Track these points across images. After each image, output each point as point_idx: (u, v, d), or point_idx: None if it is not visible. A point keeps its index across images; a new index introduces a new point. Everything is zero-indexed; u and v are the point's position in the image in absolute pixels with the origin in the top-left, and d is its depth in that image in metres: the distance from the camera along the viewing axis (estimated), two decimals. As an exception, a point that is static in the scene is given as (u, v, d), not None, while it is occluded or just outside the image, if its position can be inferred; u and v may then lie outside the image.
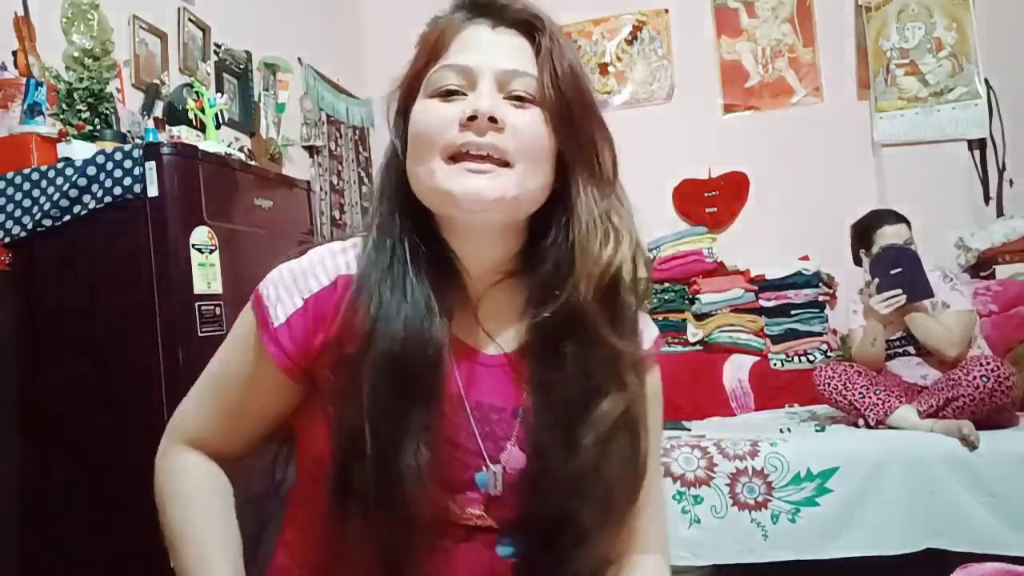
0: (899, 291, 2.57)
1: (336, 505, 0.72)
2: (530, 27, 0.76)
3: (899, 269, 2.60)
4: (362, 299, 0.74)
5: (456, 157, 0.72)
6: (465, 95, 0.74)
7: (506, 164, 0.72)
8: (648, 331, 0.84)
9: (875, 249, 2.75)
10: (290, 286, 0.78)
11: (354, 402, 0.71)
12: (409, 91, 0.79)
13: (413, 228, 0.77)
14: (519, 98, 0.74)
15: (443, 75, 0.75)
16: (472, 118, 0.71)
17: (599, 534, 0.76)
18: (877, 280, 2.63)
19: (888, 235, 2.75)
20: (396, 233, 0.76)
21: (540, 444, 0.75)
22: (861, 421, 2.54)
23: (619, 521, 0.78)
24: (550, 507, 0.74)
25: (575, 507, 0.74)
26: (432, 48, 0.77)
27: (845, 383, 2.56)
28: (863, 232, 2.84)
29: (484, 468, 0.76)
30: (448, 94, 0.74)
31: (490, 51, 0.75)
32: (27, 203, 1.80)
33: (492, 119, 0.71)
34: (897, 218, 2.80)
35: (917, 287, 2.59)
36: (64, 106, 1.98)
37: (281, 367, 0.77)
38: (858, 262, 2.84)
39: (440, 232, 0.78)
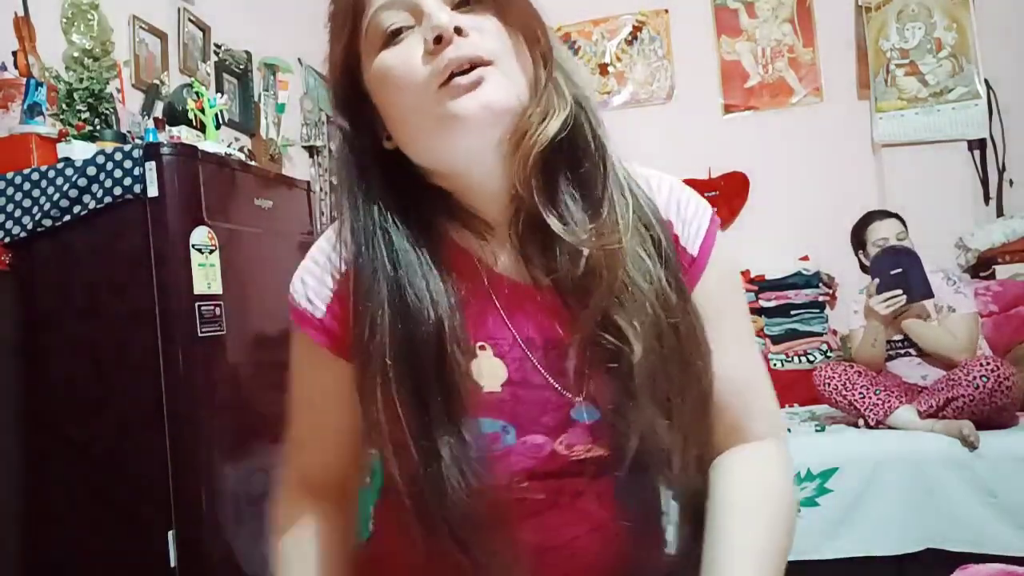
0: (899, 291, 2.58)
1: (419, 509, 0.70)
2: None
3: (899, 269, 2.61)
4: (365, 309, 0.70)
5: (443, 85, 0.66)
6: (413, 27, 0.67)
7: (487, 64, 0.66)
8: (693, 210, 0.78)
9: (870, 247, 2.76)
10: (317, 280, 0.76)
11: (393, 420, 0.68)
12: (347, 68, 0.72)
13: (398, 208, 0.71)
14: (464, 3, 0.68)
15: (382, 17, 0.68)
16: (438, 40, 0.65)
17: (702, 435, 0.73)
18: (877, 280, 2.63)
19: (878, 230, 2.76)
20: (378, 223, 0.70)
21: (605, 363, 0.70)
22: (861, 421, 2.54)
23: (715, 409, 0.74)
24: (648, 419, 0.70)
25: (668, 414, 0.70)
26: (353, 7, 0.70)
27: (845, 383, 2.56)
28: (856, 233, 2.86)
29: (575, 403, 0.72)
30: (395, 35, 0.68)
31: None
32: (27, 203, 1.80)
33: (458, 30, 0.65)
34: (887, 214, 2.81)
35: (917, 287, 2.59)
36: (64, 106, 1.98)
37: (342, 355, 0.74)
38: (865, 269, 2.84)
39: (442, 188, 0.73)
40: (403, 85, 0.67)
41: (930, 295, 2.60)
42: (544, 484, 0.72)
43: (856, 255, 2.89)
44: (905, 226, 2.79)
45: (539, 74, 0.69)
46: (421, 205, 0.73)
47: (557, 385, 0.72)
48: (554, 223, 0.68)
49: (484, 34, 0.67)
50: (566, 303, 0.72)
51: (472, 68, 0.65)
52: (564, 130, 0.68)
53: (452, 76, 0.65)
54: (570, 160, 0.70)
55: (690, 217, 0.78)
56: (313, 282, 0.76)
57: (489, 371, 0.72)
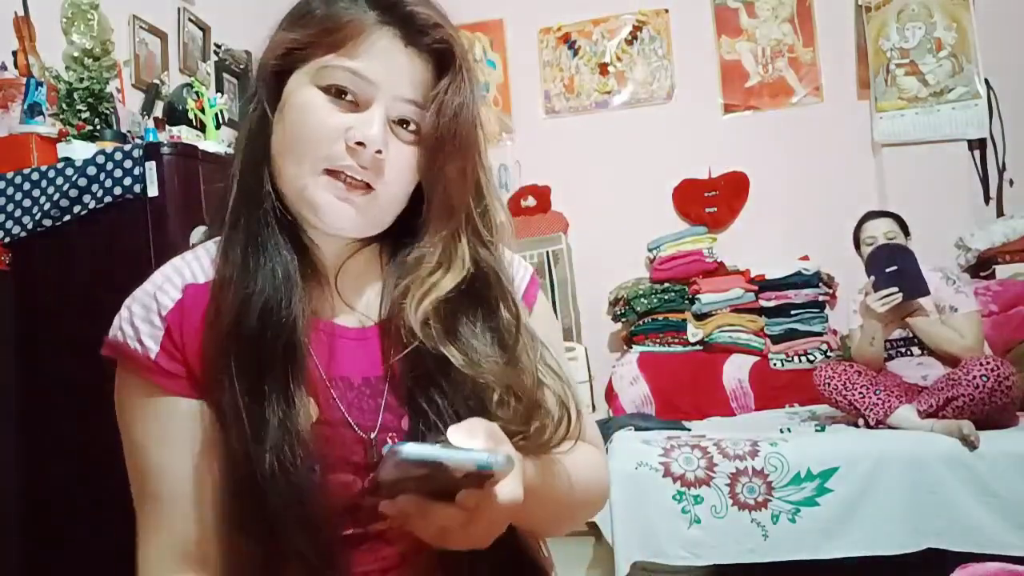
0: (895, 289, 2.57)
1: (239, 521, 0.69)
2: (442, 56, 0.74)
3: (894, 267, 2.60)
4: (224, 297, 0.72)
5: (331, 172, 0.72)
6: (353, 102, 0.72)
7: (369, 190, 0.73)
8: (521, 273, 0.87)
9: (863, 247, 2.77)
10: (141, 313, 0.74)
11: (225, 402, 0.70)
12: (285, 55, 0.75)
13: (278, 201, 0.75)
14: (403, 122, 0.74)
15: (342, 78, 0.72)
16: (359, 144, 0.70)
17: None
18: (873, 278, 2.63)
19: (867, 229, 2.77)
20: (262, 201, 0.74)
21: (416, 405, 0.74)
22: (861, 421, 2.54)
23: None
24: None
25: None
26: (327, 30, 0.72)
27: (845, 383, 2.56)
28: (855, 233, 2.87)
29: (388, 440, 0.75)
30: (338, 94, 0.72)
31: (396, 71, 0.72)
32: (27, 203, 1.80)
33: (378, 152, 0.71)
34: (882, 214, 2.82)
35: (913, 285, 2.59)
36: (64, 106, 1.98)
37: (179, 391, 0.72)
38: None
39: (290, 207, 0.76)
40: (308, 140, 0.71)
41: (926, 292, 2.60)
42: (353, 520, 0.73)
43: (858, 253, 2.90)
44: (903, 225, 2.79)
45: (444, 224, 0.75)
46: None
47: (357, 424, 0.74)
48: (455, 357, 0.73)
49: (393, 169, 0.73)
50: (377, 345, 0.77)
51: (359, 184, 0.72)
52: (460, 286, 0.74)
53: (343, 176, 0.71)
54: (472, 307, 0.76)
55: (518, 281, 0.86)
56: (143, 324, 0.74)
57: (302, 409, 0.72)
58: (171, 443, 0.72)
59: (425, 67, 0.74)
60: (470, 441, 0.60)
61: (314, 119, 0.72)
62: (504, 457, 0.58)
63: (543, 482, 0.73)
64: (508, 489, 0.60)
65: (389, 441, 0.74)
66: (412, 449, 0.54)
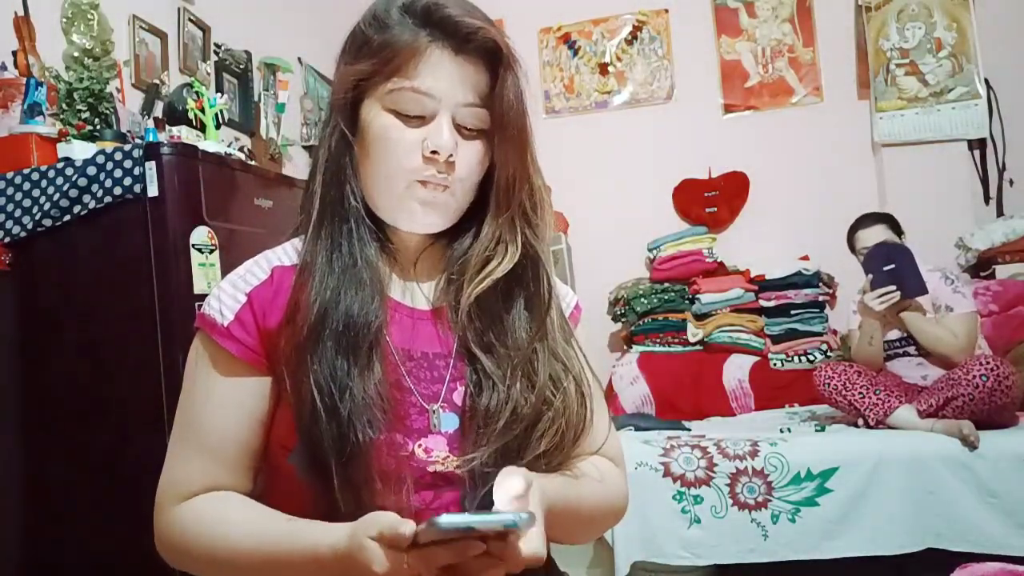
0: (893, 288, 2.57)
1: (304, 472, 0.76)
2: (490, 55, 0.81)
3: (892, 266, 2.60)
4: (307, 281, 0.81)
5: (418, 182, 0.81)
6: (421, 117, 0.81)
7: (447, 187, 0.82)
8: (568, 299, 0.99)
9: (857, 255, 2.76)
10: (230, 290, 0.84)
11: (305, 374, 0.77)
12: (354, 87, 0.83)
13: (362, 208, 0.84)
14: (468, 127, 0.82)
15: (408, 98, 0.80)
16: (434, 152, 0.79)
17: (557, 447, 0.82)
18: (871, 276, 2.63)
19: (862, 239, 2.77)
20: (346, 213, 0.83)
21: (480, 373, 0.83)
22: (861, 421, 2.54)
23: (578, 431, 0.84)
24: (511, 427, 0.80)
25: (532, 426, 0.80)
26: (387, 58, 0.80)
27: (845, 383, 2.56)
28: (848, 238, 2.86)
29: (440, 409, 0.82)
30: (407, 112, 0.81)
31: (453, 82, 0.80)
32: (27, 203, 1.80)
33: (450, 157, 0.80)
34: (875, 219, 2.82)
35: (911, 284, 2.58)
36: (64, 106, 1.98)
37: (244, 358, 0.82)
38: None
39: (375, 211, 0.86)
40: (390, 157, 0.81)
41: (924, 291, 2.59)
42: (395, 493, 0.78)
43: (854, 255, 2.89)
44: (897, 226, 2.79)
45: (504, 208, 0.84)
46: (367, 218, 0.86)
47: (414, 390, 0.82)
48: (498, 341, 0.83)
49: (463, 168, 0.82)
50: (445, 324, 0.86)
51: (437, 186, 0.81)
52: (506, 272, 0.83)
53: (424, 183, 0.81)
54: (516, 287, 0.85)
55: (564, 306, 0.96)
56: (227, 298, 0.84)
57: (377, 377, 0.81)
58: (220, 395, 0.82)
59: (477, 68, 0.81)
60: (503, 490, 0.70)
61: (392, 140, 0.81)
62: (527, 515, 0.64)
63: (564, 501, 0.80)
64: (531, 545, 0.67)
65: (441, 411, 0.83)
66: (448, 520, 0.61)
